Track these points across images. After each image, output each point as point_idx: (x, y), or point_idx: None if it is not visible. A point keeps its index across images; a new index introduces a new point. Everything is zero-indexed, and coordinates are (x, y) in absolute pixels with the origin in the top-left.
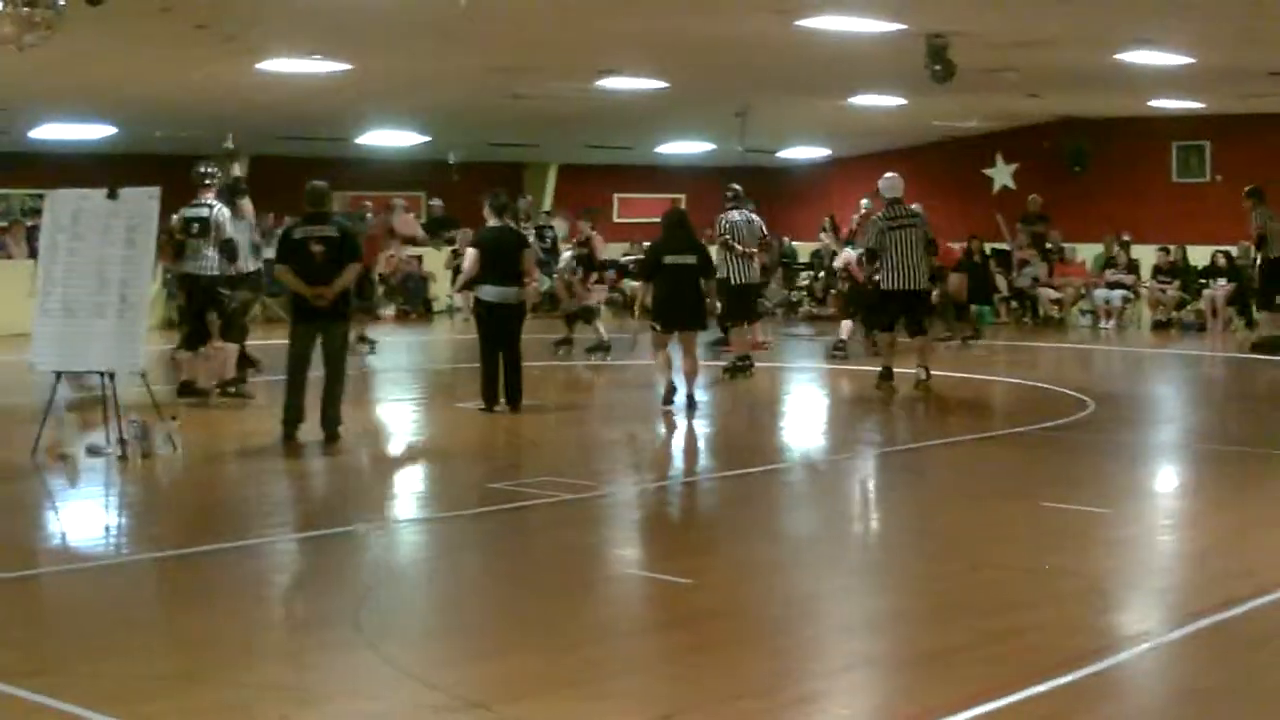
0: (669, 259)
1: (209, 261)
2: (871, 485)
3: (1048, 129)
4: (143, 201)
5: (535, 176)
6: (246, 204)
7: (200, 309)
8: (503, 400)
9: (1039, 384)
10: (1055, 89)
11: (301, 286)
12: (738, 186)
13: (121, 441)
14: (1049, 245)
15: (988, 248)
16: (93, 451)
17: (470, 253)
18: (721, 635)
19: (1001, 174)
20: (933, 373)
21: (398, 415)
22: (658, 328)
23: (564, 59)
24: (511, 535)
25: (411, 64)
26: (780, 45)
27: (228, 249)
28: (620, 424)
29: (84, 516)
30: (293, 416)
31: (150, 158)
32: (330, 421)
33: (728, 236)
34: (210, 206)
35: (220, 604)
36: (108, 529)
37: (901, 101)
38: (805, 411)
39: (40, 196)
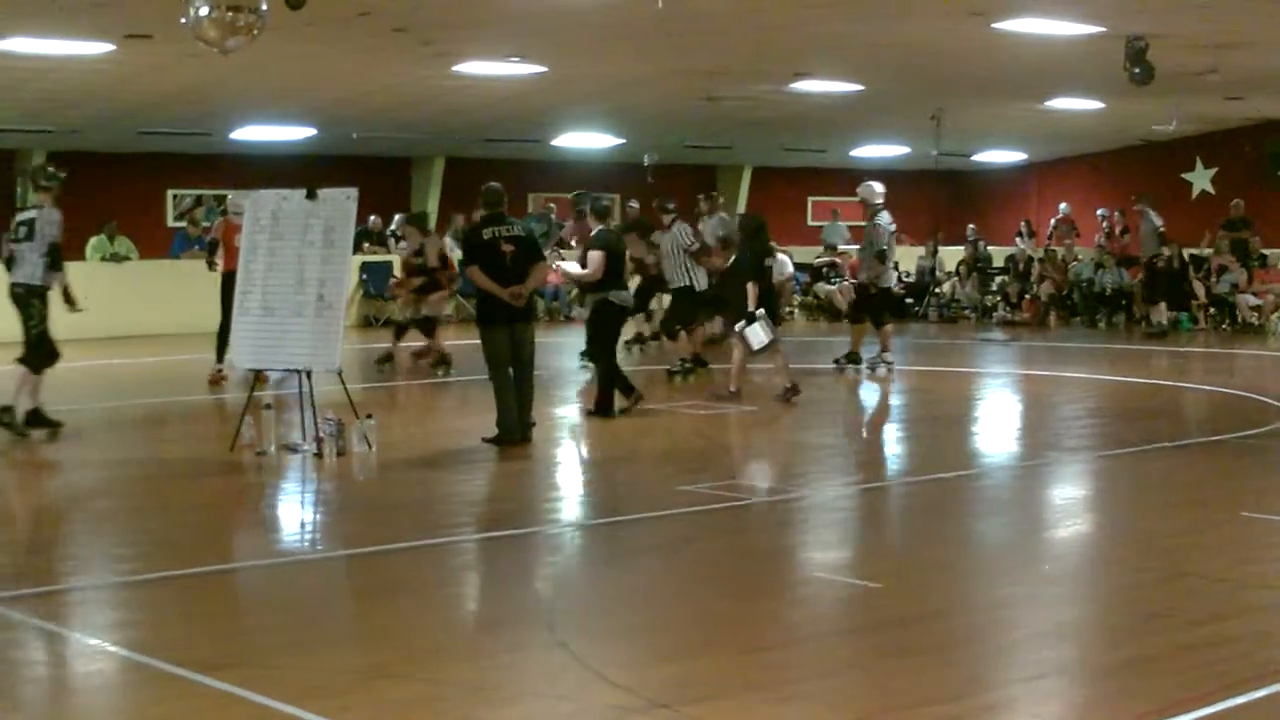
0: (768, 261)
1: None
2: (1065, 492)
3: (1249, 132)
4: (341, 202)
5: (729, 179)
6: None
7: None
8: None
9: (1237, 392)
10: (1258, 91)
11: (497, 288)
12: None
13: (318, 439)
14: (1251, 252)
15: (1185, 253)
16: (289, 449)
17: (597, 256)
18: (910, 641)
19: (1200, 178)
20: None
21: (585, 416)
22: None
23: (760, 61)
24: (699, 538)
25: (607, 66)
26: (976, 48)
27: (52, 255)
28: (804, 428)
29: (279, 513)
30: (510, 423)
31: (348, 159)
32: (522, 423)
33: (695, 244)
34: (39, 209)
35: (412, 601)
36: (302, 525)
37: (1099, 105)
38: (991, 417)
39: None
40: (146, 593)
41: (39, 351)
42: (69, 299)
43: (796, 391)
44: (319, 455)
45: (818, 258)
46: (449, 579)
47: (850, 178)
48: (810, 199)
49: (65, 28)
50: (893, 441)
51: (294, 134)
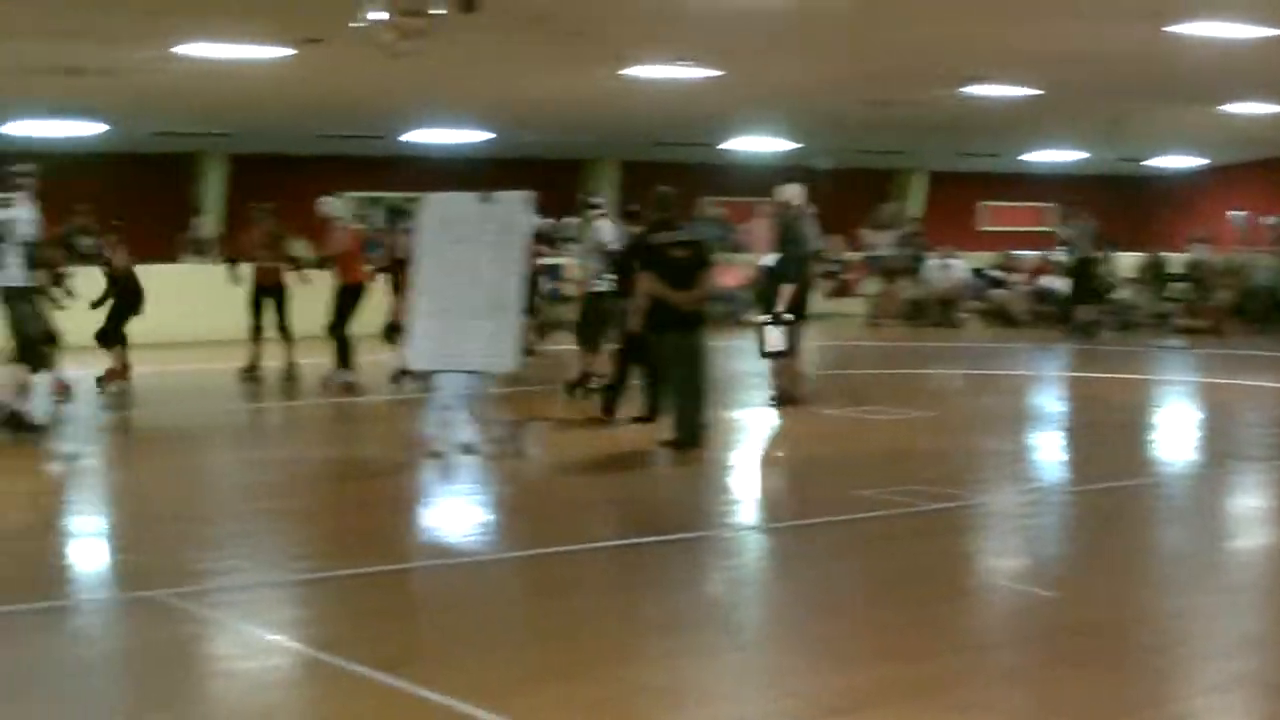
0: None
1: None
2: (1248, 501)
3: None
4: (515, 205)
5: (904, 184)
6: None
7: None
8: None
9: None
10: None
11: (669, 293)
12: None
13: (492, 441)
14: None
15: None
16: (465, 450)
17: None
18: (1086, 651)
19: None
20: None
21: (759, 420)
22: None
23: (934, 65)
24: (876, 543)
25: (781, 70)
26: (1151, 52)
27: (27, 254)
28: (979, 432)
29: (455, 513)
30: (685, 428)
31: (521, 161)
32: (696, 427)
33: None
34: (7, 205)
35: (589, 603)
36: (478, 526)
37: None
38: (1169, 424)
39: (412, 200)
40: (324, 590)
41: (35, 351)
42: (53, 297)
43: (789, 401)
44: (493, 457)
45: (992, 265)
46: (624, 582)
47: (1024, 183)
48: (982, 204)
49: (244, 33)
50: (1069, 448)
51: (467, 137)
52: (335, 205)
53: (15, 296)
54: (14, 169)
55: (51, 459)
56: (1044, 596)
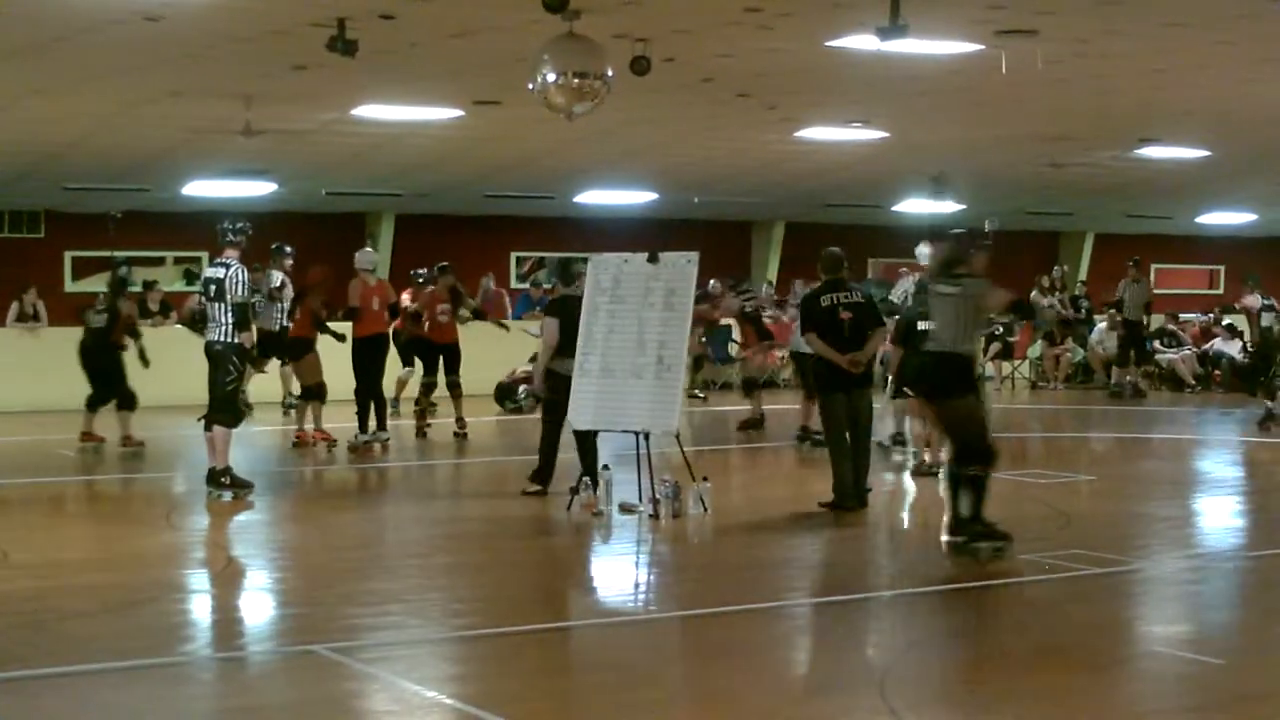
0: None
1: (223, 329)
2: None
3: None
4: (682, 266)
5: (1071, 246)
6: None
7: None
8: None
9: None
10: None
11: (835, 355)
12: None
13: (654, 500)
14: None
15: None
16: (625, 509)
17: (551, 323)
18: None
19: None
20: None
21: (922, 484)
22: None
23: (1105, 127)
24: (1038, 607)
25: (950, 133)
26: None
27: (239, 314)
28: (1145, 498)
29: (614, 573)
30: (846, 489)
31: (689, 223)
32: (859, 489)
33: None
34: (227, 266)
35: (744, 664)
36: (636, 586)
37: None
38: None
39: (584, 259)
40: (482, 647)
41: (231, 410)
42: (253, 361)
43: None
44: (655, 517)
45: (1160, 330)
46: (781, 642)
47: (1190, 245)
48: (1154, 266)
49: (416, 95)
50: (1237, 514)
51: (635, 198)
52: (369, 257)
53: (221, 354)
54: (227, 226)
55: (228, 513)
56: (1211, 664)
